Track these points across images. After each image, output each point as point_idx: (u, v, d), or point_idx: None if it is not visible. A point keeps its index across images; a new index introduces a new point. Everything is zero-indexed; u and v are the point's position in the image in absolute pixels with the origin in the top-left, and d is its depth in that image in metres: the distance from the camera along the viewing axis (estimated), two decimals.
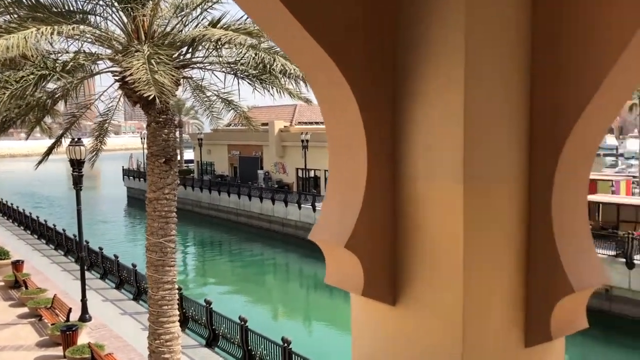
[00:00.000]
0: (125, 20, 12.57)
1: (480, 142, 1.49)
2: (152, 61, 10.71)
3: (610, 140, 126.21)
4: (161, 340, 12.96)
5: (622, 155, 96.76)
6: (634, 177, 43.27)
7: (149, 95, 10.15)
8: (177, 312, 13.63)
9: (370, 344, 1.80)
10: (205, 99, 14.84)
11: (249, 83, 13.30)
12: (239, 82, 13.19)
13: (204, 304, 18.95)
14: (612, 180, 37.41)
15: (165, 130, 12.55)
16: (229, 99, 14.55)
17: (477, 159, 1.49)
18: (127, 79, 10.97)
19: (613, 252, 25.62)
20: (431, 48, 1.52)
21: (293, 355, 15.27)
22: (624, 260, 24.98)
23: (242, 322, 16.99)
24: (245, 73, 12.99)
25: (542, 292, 1.56)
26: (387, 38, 1.59)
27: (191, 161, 66.09)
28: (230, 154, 56.55)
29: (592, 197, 31.23)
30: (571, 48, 1.47)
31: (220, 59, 12.63)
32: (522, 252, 1.58)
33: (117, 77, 12.40)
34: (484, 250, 1.52)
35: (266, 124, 47.91)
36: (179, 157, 69.92)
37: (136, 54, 11.07)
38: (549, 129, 1.54)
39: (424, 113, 1.57)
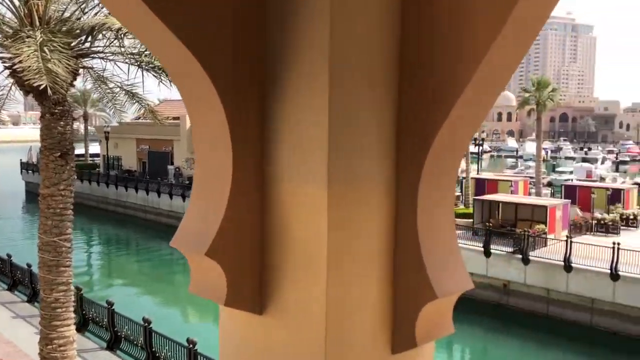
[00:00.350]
0: (17, 3, 11.70)
1: (345, 144, 1.48)
2: (46, 48, 10.01)
3: (512, 142, 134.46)
4: (54, 345, 12.21)
5: (521, 157, 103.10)
6: (531, 177, 46.08)
7: (40, 85, 9.46)
8: (73, 315, 12.91)
9: (236, 355, 1.72)
10: (108, 90, 14.16)
11: (154, 75, 12.80)
12: (143, 75, 12.66)
13: (106, 305, 18.20)
14: (511, 181, 39.65)
15: (62, 123, 11.80)
16: (133, 91, 13.96)
17: (342, 161, 1.47)
18: (16, 67, 10.19)
19: (511, 249, 27.13)
20: (297, 48, 1.50)
21: (199, 357, 14.98)
22: (520, 256, 26.48)
23: (146, 324, 16.51)
24: (150, 65, 12.48)
25: (407, 298, 1.56)
26: (254, 36, 1.55)
27: (97, 155, 63.56)
28: (139, 148, 54.76)
29: (492, 197, 32.99)
30: (439, 47, 1.47)
31: (123, 49, 12.04)
32: (388, 258, 1.57)
33: (6, 64, 11.51)
34: (349, 256, 1.50)
35: (178, 118, 46.71)
36: (84, 151, 66.75)
37: (27, 39, 10.30)
38: (416, 130, 1.54)
39: (290, 114, 1.54)
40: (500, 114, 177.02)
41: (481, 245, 27.41)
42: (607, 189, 37.00)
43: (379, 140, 1.54)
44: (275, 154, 1.58)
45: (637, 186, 42.10)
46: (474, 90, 1.45)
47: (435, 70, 1.48)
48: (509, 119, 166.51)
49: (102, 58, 12.87)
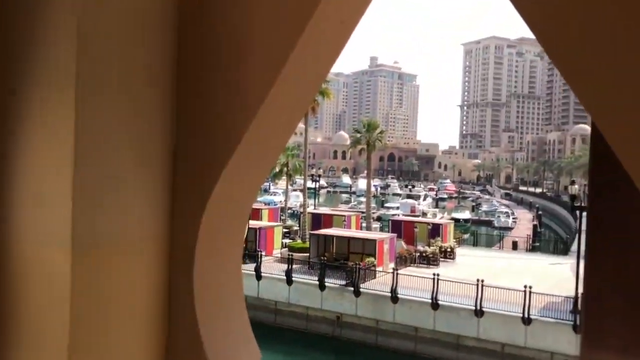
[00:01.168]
0: None
1: (98, 200, 1.31)
2: None
3: (346, 179, 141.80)
4: None
5: (354, 193, 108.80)
6: (362, 212, 48.64)
7: None
8: None
9: None
10: None
11: None
12: None
13: None
14: (345, 216, 41.47)
15: None
16: None
17: (94, 218, 1.30)
18: None
19: (344, 282, 28.11)
20: (42, 93, 1.35)
21: None
22: (352, 289, 27.53)
23: None
24: None
25: None
26: None
27: None
28: None
29: (327, 231, 34.13)
30: (213, 102, 1.44)
31: None
32: (155, 333, 1.41)
33: None
34: (99, 330, 1.32)
35: None
36: None
37: None
38: (193, 187, 1.43)
39: (32, 167, 1.34)
40: (335, 152, 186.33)
41: (316, 278, 28.05)
42: (428, 223, 40.26)
43: (144, 197, 1.40)
44: (11, 209, 1.37)
45: (453, 221, 46.53)
46: (247, 150, 1.40)
47: (211, 124, 1.42)
48: (344, 157, 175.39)
49: None
